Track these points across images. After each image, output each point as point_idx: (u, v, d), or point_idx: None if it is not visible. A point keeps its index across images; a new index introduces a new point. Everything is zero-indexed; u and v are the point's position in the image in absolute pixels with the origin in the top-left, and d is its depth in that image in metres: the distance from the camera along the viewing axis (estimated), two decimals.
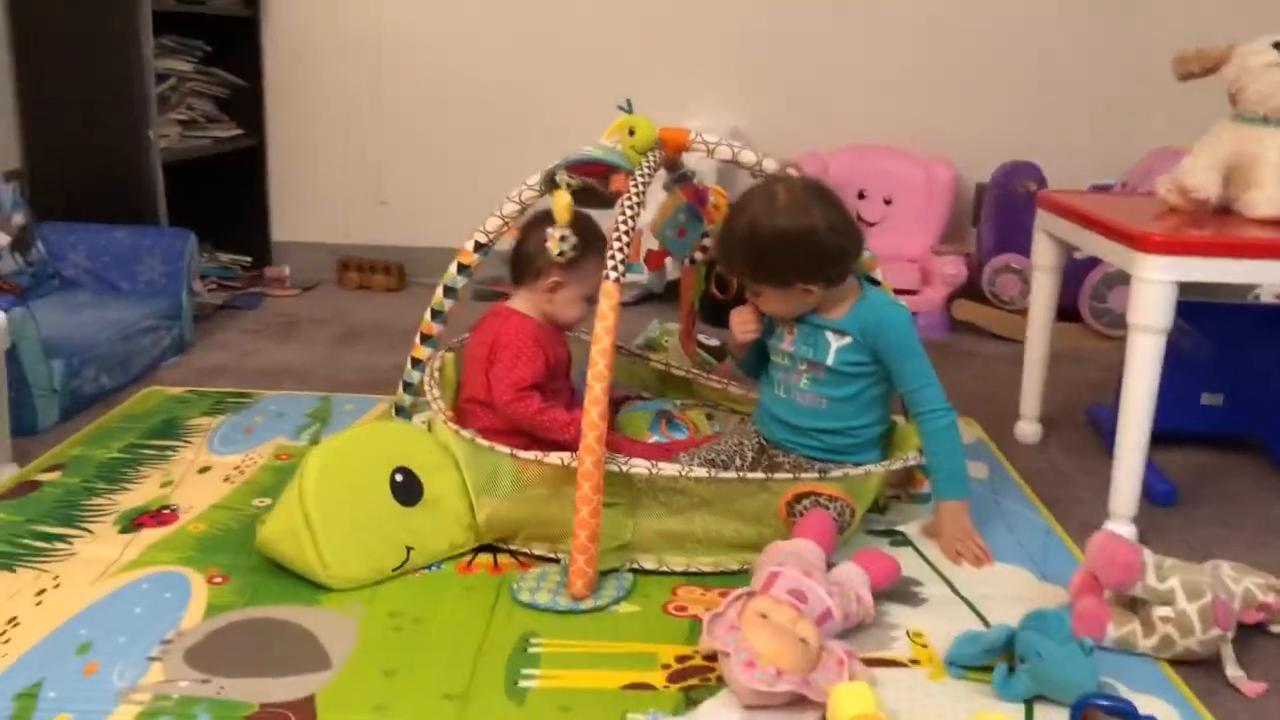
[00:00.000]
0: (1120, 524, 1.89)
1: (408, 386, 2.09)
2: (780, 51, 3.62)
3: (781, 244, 1.78)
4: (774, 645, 1.40)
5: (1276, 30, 2.00)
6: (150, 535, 1.83)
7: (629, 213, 1.75)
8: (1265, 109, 1.95)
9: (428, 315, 2.07)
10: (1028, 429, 2.43)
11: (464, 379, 2.06)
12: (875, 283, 1.98)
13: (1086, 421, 2.55)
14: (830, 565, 1.66)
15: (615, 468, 1.69)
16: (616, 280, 1.69)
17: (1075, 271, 3.01)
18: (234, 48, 3.60)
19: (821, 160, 3.48)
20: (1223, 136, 2.01)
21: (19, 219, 2.77)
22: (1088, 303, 3.22)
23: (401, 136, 3.76)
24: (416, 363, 2.08)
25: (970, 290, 3.35)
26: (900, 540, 1.91)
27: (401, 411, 2.12)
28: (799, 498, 1.75)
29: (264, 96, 3.71)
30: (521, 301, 2.03)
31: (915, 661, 1.52)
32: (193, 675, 1.44)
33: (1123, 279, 3.14)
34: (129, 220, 2.99)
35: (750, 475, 1.74)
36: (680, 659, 1.51)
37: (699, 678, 1.46)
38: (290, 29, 3.68)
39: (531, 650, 1.52)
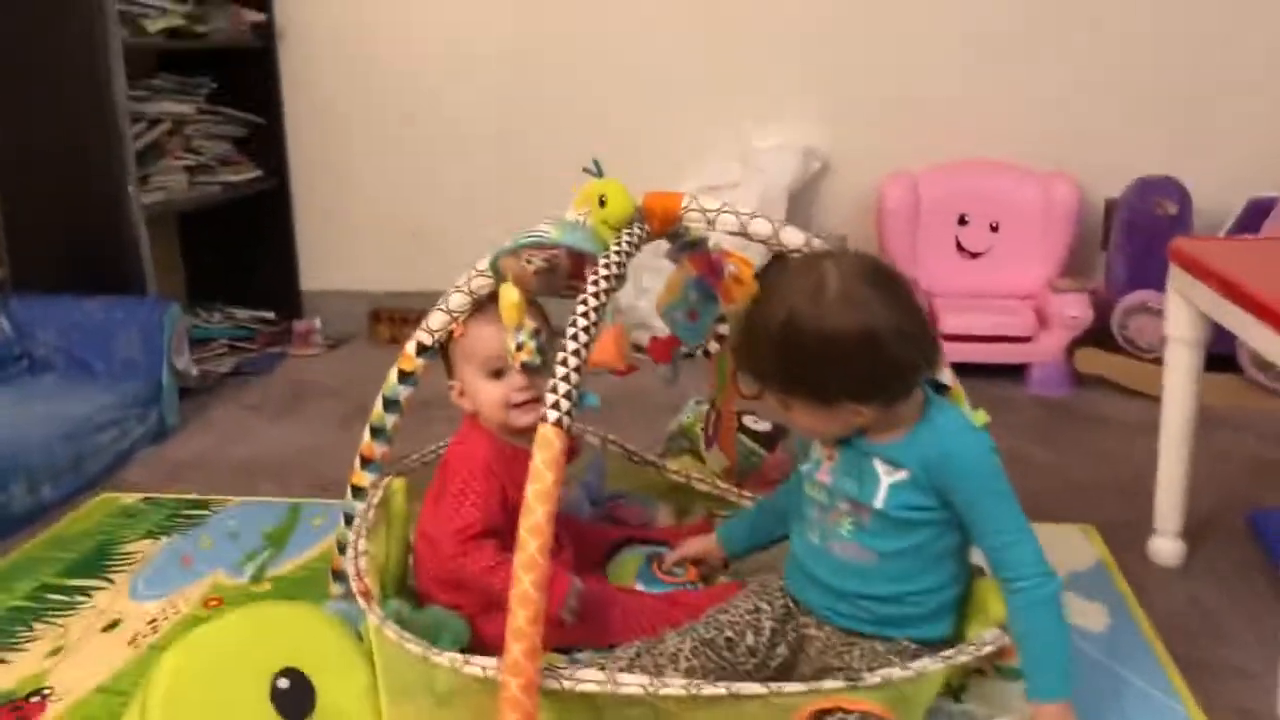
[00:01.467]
0: None
1: (349, 520, 1.66)
2: (862, 52, 3.04)
3: (829, 350, 1.28)
4: None
5: None
6: None
7: (582, 320, 1.28)
8: None
9: (366, 435, 1.65)
10: (1166, 547, 1.86)
11: (424, 505, 1.64)
12: (943, 388, 1.46)
13: (1247, 530, 1.96)
14: None
15: (555, 684, 1.22)
16: (558, 423, 1.22)
17: None
18: (247, 83, 3.23)
19: (911, 180, 2.93)
20: None
21: None
22: (1247, 349, 2.59)
23: (438, 170, 3.34)
24: (358, 491, 1.66)
25: (1098, 335, 2.75)
26: None
27: (341, 578, 1.69)
28: (822, 714, 1.25)
29: (284, 133, 3.34)
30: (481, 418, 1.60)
31: None
32: None
33: None
34: (113, 289, 2.65)
35: (746, 690, 1.24)
36: None
37: None
38: (308, 59, 3.29)
39: None
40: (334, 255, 3.46)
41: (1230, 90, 2.88)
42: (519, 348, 1.46)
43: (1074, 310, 2.71)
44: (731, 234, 1.47)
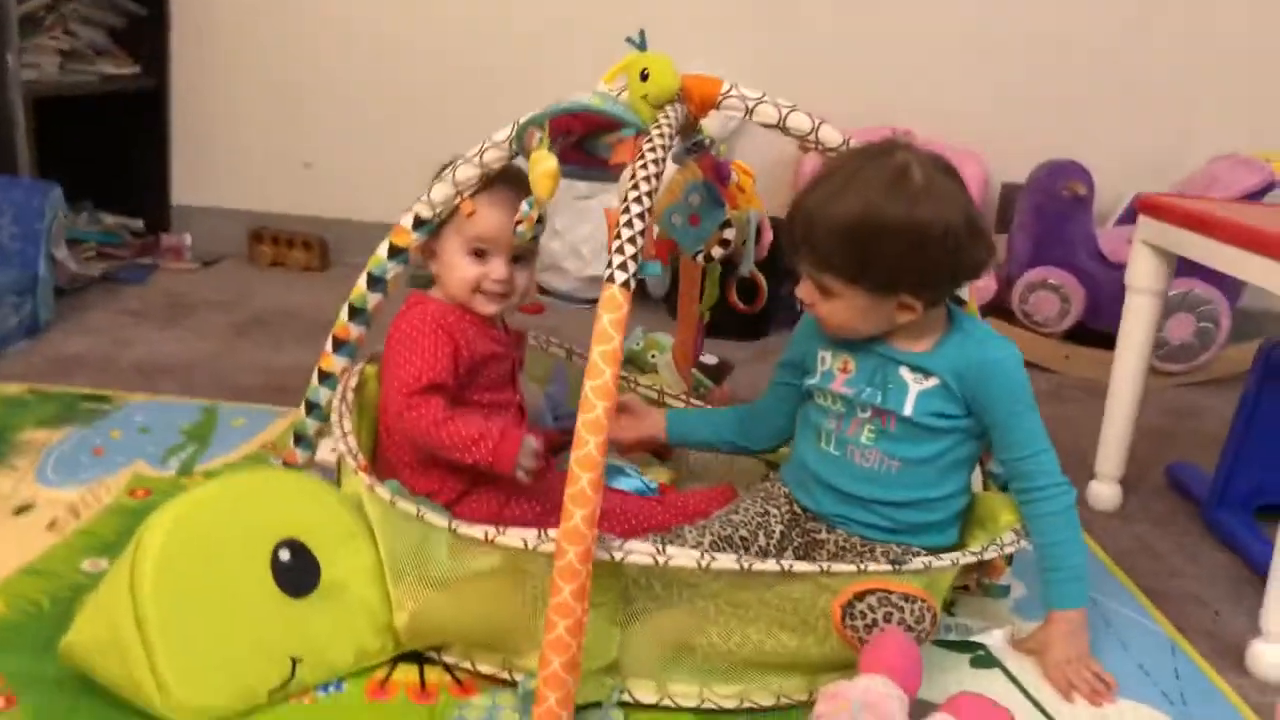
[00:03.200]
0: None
1: (312, 408, 1.53)
2: (777, 14, 3.07)
3: (911, 240, 1.26)
4: None
5: None
6: None
7: (644, 185, 1.21)
8: None
9: (344, 314, 1.51)
10: (1106, 492, 1.92)
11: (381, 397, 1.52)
12: (960, 302, 1.47)
13: (1169, 484, 2.05)
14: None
15: (604, 554, 1.15)
16: (625, 284, 1.14)
17: (1117, 292, 2.52)
18: None
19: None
20: None
21: None
22: None
23: (334, 84, 3.15)
24: (325, 376, 1.52)
25: (998, 310, 2.85)
26: (982, 659, 1.39)
27: (302, 441, 1.56)
28: (860, 596, 1.22)
29: (168, 29, 3.09)
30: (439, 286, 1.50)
31: None
32: None
33: (1182, 305, 2.67)
34: None
35: (799, 567, 1.20)
36: None
37: None
38: None
39: None
40: (211, 169, 3.22)
41: (1135, 87, 3.04)
42: (519, 222, 1.36)
43: (978, 284, 2.78)
44: (767, 126, 1.43)
